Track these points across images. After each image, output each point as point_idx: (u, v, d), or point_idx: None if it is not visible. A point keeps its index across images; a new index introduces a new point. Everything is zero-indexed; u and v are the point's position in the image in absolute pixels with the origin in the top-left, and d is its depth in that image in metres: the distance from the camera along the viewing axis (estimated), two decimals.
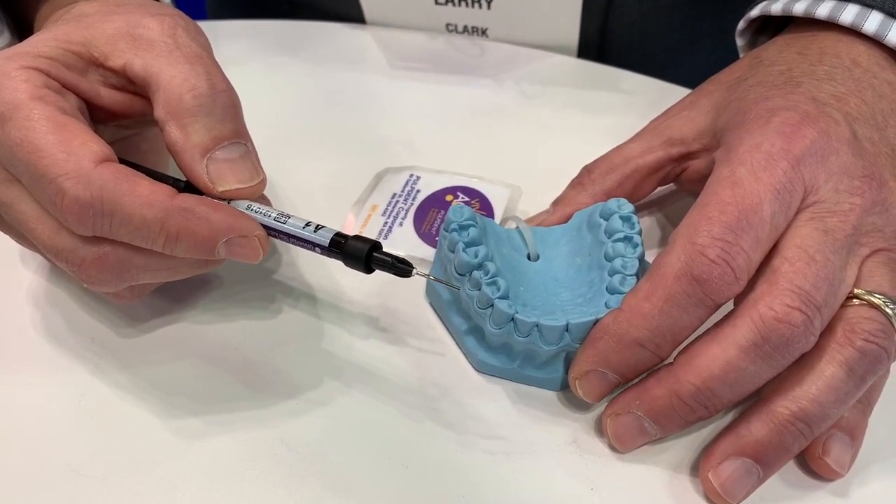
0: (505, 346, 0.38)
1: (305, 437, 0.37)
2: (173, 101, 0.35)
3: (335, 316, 0.41)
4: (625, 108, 0.53)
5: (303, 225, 0.36)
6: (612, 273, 0.37)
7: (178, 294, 0.42)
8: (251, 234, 0.35)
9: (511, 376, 0.39)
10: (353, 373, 0.39)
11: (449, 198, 0.47)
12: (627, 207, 0.39)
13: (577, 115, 0.53)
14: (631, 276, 0.37)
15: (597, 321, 0.36)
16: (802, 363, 0.34)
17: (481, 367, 0.39)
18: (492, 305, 0.37)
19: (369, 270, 0.35)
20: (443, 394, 0.38)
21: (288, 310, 0.42)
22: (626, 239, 0.38)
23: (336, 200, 0.47)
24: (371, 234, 0.45)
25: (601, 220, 0.40)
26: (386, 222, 0.45)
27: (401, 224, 0.45)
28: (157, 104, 0.35)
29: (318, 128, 0.53)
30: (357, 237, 0.36)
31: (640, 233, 0.39)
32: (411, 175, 0.48)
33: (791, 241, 0.34)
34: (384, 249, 0.36)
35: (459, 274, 0.38)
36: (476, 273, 0.37)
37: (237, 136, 0.36)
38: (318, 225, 0.36)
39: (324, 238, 0.36)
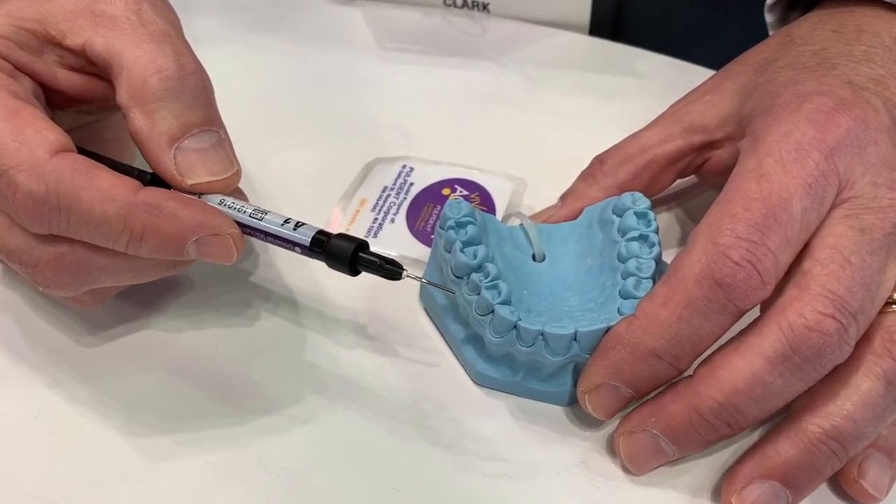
0: (507, 356, 0.38)
1: (285, 457, 0.37)
2: (137, 85, 0.35)
3: (318, 323, 0.41)
4: (642, 92, 0.53)
5: (281, 222, 0.36)
6: (626, 275, 0.37)
7: (144, 298, 0.42)
8: (224, 233, 0.35)
9: (514, 390, 0.39)
10: (339, 386, 0.39)
11: (446, 191, 0.47)
12: (643, 202, 0.39)
13: (588, 100, 0.53)
14: (646, 278, 0.37)
15: (608, 329, 0.36)
16: (836, 376, 0.34)
17: (481, 380, 0.39)
18: (492, 311, 0.37)
19: (355, 272, 0.36)
20: (438, 409, 0.38)
21: (266, 316, 0.42)
22: (642, 238, 0.38)
23: (320, 194, 0.47)
24: (359, 231, 0.45)
25: (614, 216, 0.39)
26: (376, 218, 0.45)
27: (392, 220, 0.45)
28: (119, 88, 0.35)
29: (300, 114, 0.53)
30: (341, 235, 0.36)
31: (656, 231, 0.39)
32: (404, 166, 0.48)
33: (824, 240, 0.34)
34: (372, 249, 0.36)
35: (456, 276, 0.38)
36: (475, 275, 0.37)
37: (209, 123, 0.36)
38: (298, 222, 0.36)
39: (304, 236, 0.36)
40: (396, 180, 0.47)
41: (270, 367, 0.40)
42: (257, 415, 0.38)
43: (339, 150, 0.50)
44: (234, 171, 0.36)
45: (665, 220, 0.46)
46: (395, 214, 0.46)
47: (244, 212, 0.36)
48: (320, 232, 0.36)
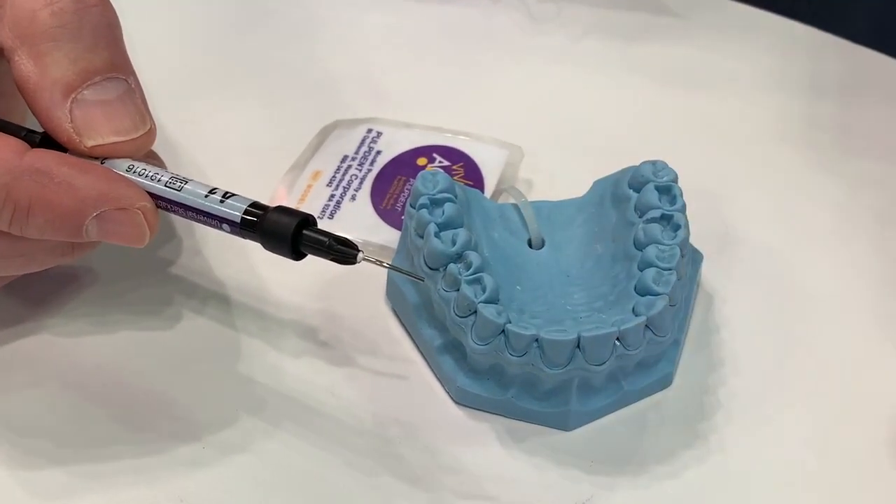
0: (494, 368, 0.38)
1: (213, 495, 0.37)
2: (24, 20, 0.35)
3: (257, 326, 0.42)
4: (676, 35, 0.53)
5: (205, 192, 0.36)
6: (644, 266, 0.38)
7: (35, 294, 0.42)
8: (133, 206, 0.35)
9: (503, 410, 0.39)
10: (282, 406, 0.39)
11: (421, 161, 0.47)
12: (667, 173, 0.40)
13: (606, 45, 0.53)
14: (669, 270, 0.37)
15: (621, 334, 0.36)
16: None
17: (462, 398, 0.39)
18: (475, 312, 0.37)
19: (298, 255, 0.36)
20: (408, 435, 0.39)
21: (190, 317, 0.42)
22: (664, 218, 0.39)
23: (263, 166, 0.47)
24: (311, 211, 0.43)
25: (630, 191, 0.40)
26: (332, 195, 0.46)
27: (353, 198, 0.46)
28: (1, 24, 0.35)
29: (238, 63, 0.53)
30: (281, 209, 0.36)
31: (683, 209, 0.39)
32: (370, 130, 0.49)
33: None
34: (321, 227, 0.36)
35: (431, 268, 0.38)
36: (453, 267, 0.38)
37: (114, 68, 0.36)
38: (227, 192, 0.37)
39: (234, 210, 0.36)
40: (360, 148, 0.48)
41: (195, 382, 0.40)
42: (178, 442, 0.38)
43: (287, 110, 0.50)
44: (146, 129, 0.36)
45: (694, 194, 0.44)
46: (357, 190, 0.46)
47: (159, 180, 0.37)
48: (254, 205, 0.36)
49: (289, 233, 0.35)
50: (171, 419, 0.39)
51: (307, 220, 0.36)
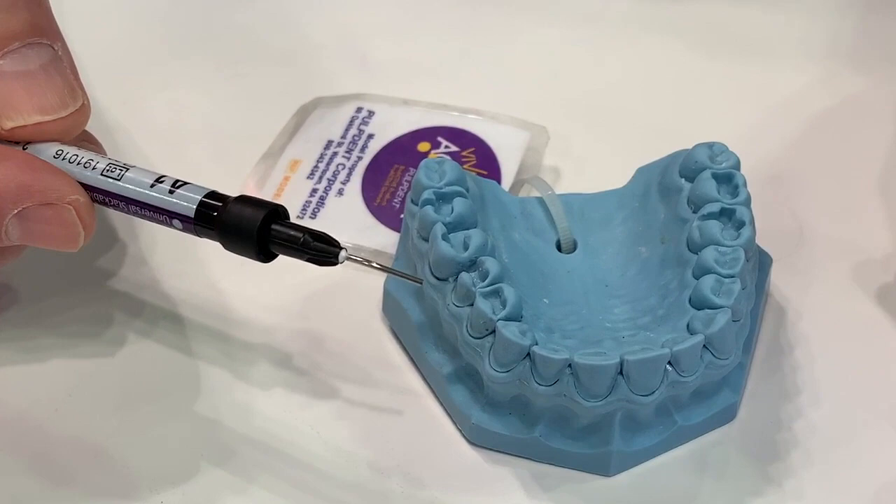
0: (518, 400, 0.38)
1: None
2: None
3: (220, 352, 0.42)
4: None
5: (151, 181, 0.36)
6: (701, 273, 0.37)
7: None
8: (62, 201, 0.35)
9: (528, 452, 0.39)
10: (254, 453, 0.39)
11: (424, 146, 0.47)
12: (727, 158, 0.39)
13: (648, 3, 0.53)
14: (731, 277, 0.37)
15: (673, 357, 0.36)
16: None
17: (477, 438, 0.39)
18: (493, 332, 0.37)
19: (268, 256, 0.36)
20: (412, 484, 0.38)
21: (136, 342, 0.42)
22: (725, 213, 0.38)
23: (228, 153, 0.48)
24: (290, 206, 0.43)
25: (682, 180, 0.40)
26: (315, 189, 0.46)
27: (340, 192, 0.46)
28: None
29: (192, 27, 0.53)
30: (244, 199, 0.36)
31: (748, 202, 0.39)
32: (359, 109, 0.49)
33: None
34: (298, 223, 0.36)
35: (438, 278, 0.38)
36: (466, 276, 0.37)
37: (36, 31, 0.36)
38: (177, 181, 0.36)
39: (186, 202, 0.36)
40: (347, 131, 0.48)
41: (144, 425, 0.40)
42: (122, 499, 0.38)
43: (256, 86, 0.50)
44: (77, 105, 0.36)
45: (761, 184, 0.45)
46: (344, 183, 0.46)
47: (94, 168, 0.36)
48: (211, 195, 0.36)
49: (254, 228, 0.35)
50: (112, 472, 0.38)
51: (277, 212, 0.35)
